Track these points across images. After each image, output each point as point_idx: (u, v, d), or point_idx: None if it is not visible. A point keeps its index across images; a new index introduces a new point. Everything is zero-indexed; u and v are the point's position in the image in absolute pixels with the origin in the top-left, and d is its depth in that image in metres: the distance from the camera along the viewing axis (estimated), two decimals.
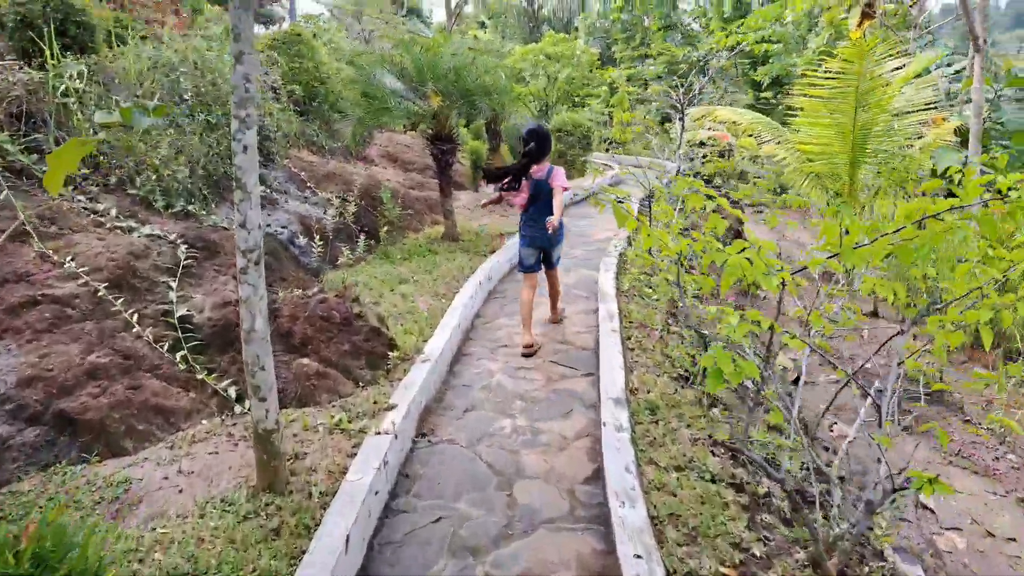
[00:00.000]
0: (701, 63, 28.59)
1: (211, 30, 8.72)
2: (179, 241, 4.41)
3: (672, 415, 3.88)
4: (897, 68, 9.38)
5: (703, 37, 28.32)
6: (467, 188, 11.80)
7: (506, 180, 5.09)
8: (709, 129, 13.84)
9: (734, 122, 11.34)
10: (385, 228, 7.17)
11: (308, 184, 7.55)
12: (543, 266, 5.32)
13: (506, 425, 3.89)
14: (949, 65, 13.51)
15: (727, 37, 20.53)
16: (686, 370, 4.68)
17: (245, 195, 2.55)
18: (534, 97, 23.26)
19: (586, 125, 11.15)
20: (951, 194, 2.64)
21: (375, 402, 3.81)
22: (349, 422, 3.57)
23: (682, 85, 9.59)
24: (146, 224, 4.43)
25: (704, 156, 10.18)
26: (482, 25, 38.82)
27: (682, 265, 3.42)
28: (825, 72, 10.05)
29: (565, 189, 4.91)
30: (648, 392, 4.14)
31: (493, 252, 7.28)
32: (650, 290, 6.54)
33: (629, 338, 5.12)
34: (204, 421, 3.57)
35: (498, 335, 5.40)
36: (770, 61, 19.97)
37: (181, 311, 3.93)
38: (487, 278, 6.47)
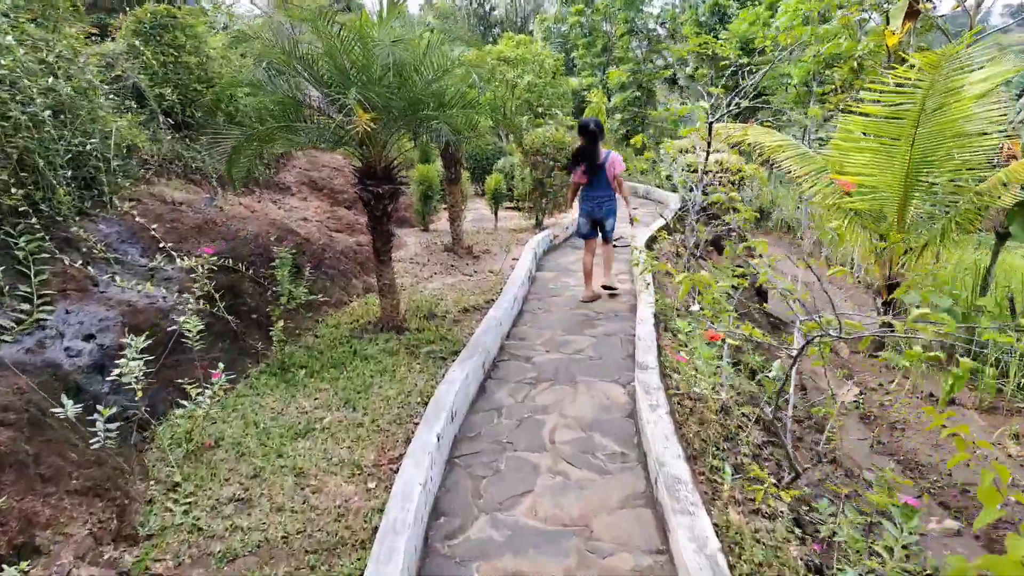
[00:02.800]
0: (672, 72, 26.71)
1: None
2: None
3: None
4: (981, 81, 7.18)
5: (671, 44, 26.40)
6: (415, 226, 9.09)
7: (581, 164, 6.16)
8: (714, 151, 11.56)
9: (749, 145, 9.08)
10: (280, 323, 4.40)
11: (163, 242, 4.72)
12: (600, 236, 6.48)
13: None
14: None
15: (707, 45, 18.52)
16: None
17: None
18: (491, 107, 20.70)
19: (570, 146, 8.63)
20: None
21: None
22: None
23: (709, 95, 7.18)
24: None
25: (709, 185, 7.87)
26: (431, 31, 36.11)
27: None
28: (876, 86, 7.81)
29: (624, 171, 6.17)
30: None
31: (456, 354, 4.62)
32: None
33: None
34: None
35: None
36: (754, 70, 18.03)
37: None
38: (451, 417, 3.80)
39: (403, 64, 4.42)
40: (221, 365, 3.51)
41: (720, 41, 18.57)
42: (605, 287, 6.57)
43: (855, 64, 12.89)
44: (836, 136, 9.24)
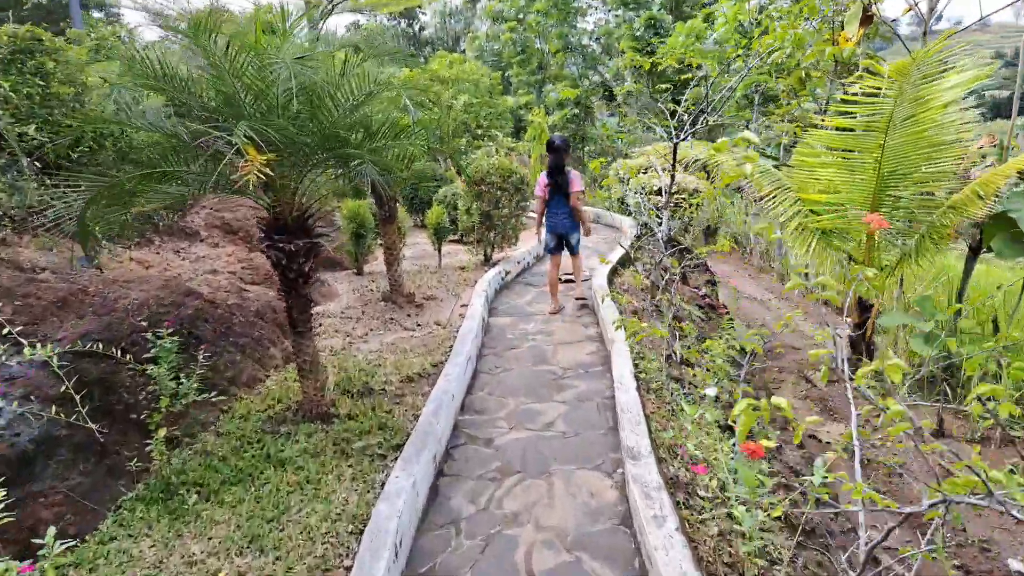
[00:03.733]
0: (606, 89, 26.47)
1: None
2: None
3: None
4: (952, 88, 6.75)
5: (606, 61, 26.22)
6: (348, 268, 8.05)
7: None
8: (668, 171, 10.97)
9: (714, 165, 8.51)
10: (162, 431, 3.32)
11: (9, 326, 3.58)
12: (566, 251, 6.74)
13: None
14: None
15: (644, 58, 18.19)
16: None
17: None
18: (427, 130, 19.74)
19: (520, 173, 7.82)
20: None
21: None
22: None
23: (672, 114, 6.49)
24: None
25: (666, 205, 7.20)
26: (356, 50, 35.14)
27: None
28: (841, 97, 7.36)
29: (582, 191, 6.44)
30: None
31: (399, 448, 3.65)
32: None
33: None
34: None
35: None
36: (693, 85, 17.77)
37: None
38: (394, 553, 2.83)
39: (313, 88, 3.48)
40: (52, 530, 2.43)
41: (656, 56, 18.31)
42: (579, 299, 6.99)
43: (803, 74, 12.67)
44: (797, 152, 8.78)
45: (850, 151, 7.62)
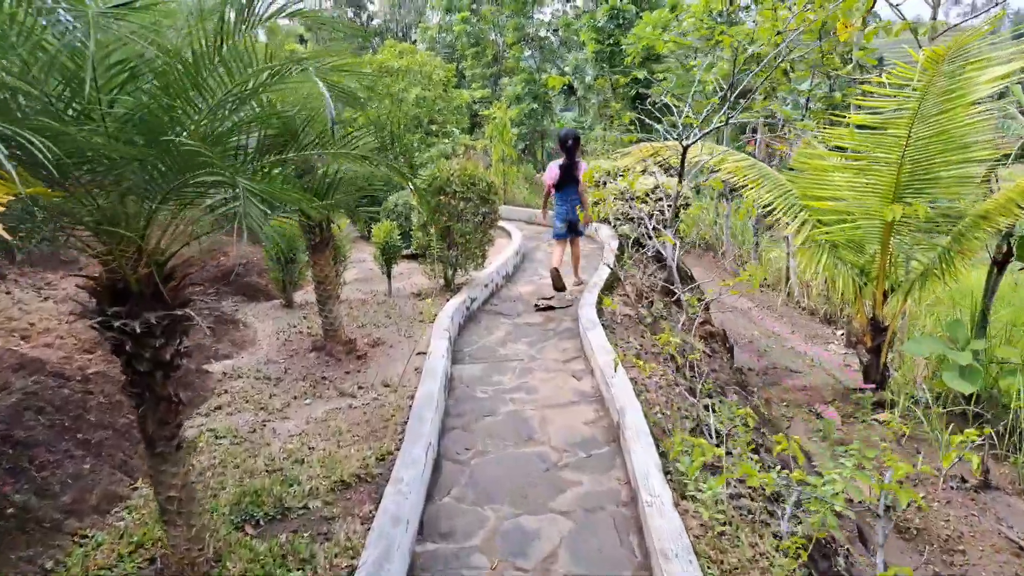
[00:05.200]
0: (564, 82, 25.21)
1: None
2: None
3: None
4: (994, 80, 5.69)
5: (565, 54, 24.99)
6: (274, 297, 6.53)
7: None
8: (643, 172, 9.74)
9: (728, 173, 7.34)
10: None
11: None
12: (571, 234, 7.02)
13: None
14: None
15: (604, 50, 17.04)
16: None
17: None
18: (374, 125, 18.09)
19: (486, 180, 6.44)
20: None
21: None
22: None
23: (676, 111, 5.22)
24: None
25: (673, 223, 5.98)
26: (301, 40, 33.14)
27: None
28: (863, 87, 6.27)
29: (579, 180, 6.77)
30: None
31: None
32: None
33: None
34: None
35: None
36: (661, 78, 16.71)
37: None
38: None
39: (156, 69, 2.05)
40: None
41: (624, 43, 17.12)
42: (577, 284, 7.21)
43: (787, 66, 11.64)
44: (799, 153, 7.66)
45: (857, 152, 6.55)
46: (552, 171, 6.86)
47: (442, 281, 6.76)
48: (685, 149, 4.89)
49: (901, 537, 5.28)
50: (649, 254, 6.84)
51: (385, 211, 8.18)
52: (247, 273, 6.52)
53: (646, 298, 6.65)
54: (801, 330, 12.01)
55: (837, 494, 2.57)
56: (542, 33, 24.99)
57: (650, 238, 5.98)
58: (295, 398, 4.28)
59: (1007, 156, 7.08)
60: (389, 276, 6.74)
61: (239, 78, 2.21)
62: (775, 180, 7.50)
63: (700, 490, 3.12)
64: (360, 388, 4.41)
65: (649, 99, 17.35)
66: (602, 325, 5.55)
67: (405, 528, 2.91)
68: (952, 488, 5.92)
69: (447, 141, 15.15)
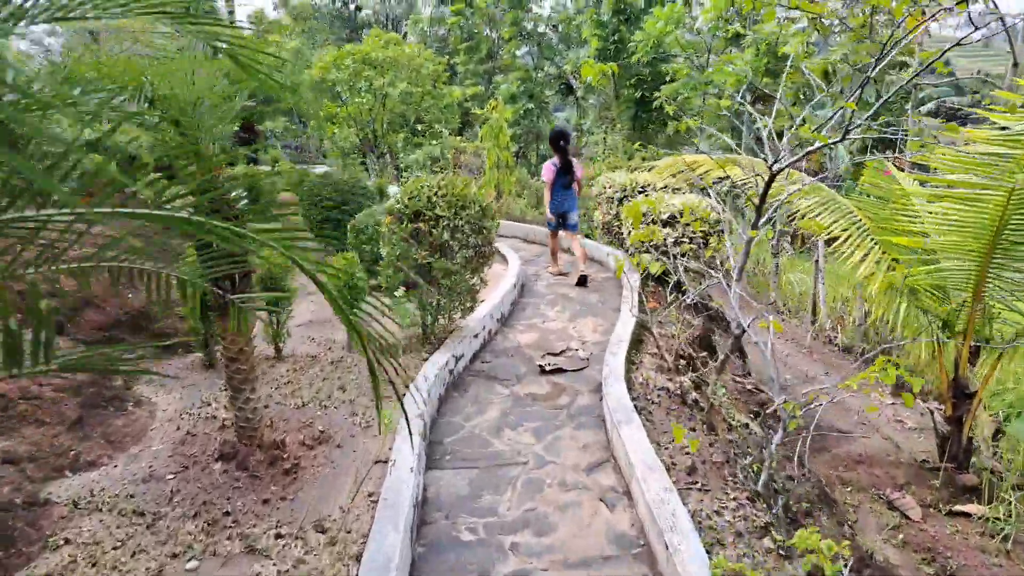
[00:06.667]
0: (562, 82, 23.69)
1: None
2: None
3: None
4: None
5: (564, 51, 23.45)
6: (194, 351, 4.90)
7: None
8: (664, 188, 8.19)
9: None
10: None
11: None
12: (564, 229, 7.68)
13: None
14: None
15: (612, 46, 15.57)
16: None
17: None
18: (355, 121, 16.49)
19: (479, 202, 4.85)
20: None
21: None
22: None
23: (749, 123, 3.68)
24: None
25: (740, 274, 4.45)
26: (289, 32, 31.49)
27: None
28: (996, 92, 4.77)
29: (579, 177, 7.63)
30: None
31: None
32: None
33: None
34: None
35: None
36: (668, 80, 15.23)
37: None
38: None
39: None
40: None
41: (635, 41, 15.60)
42: (582, 276, 7.38)
43: (828, 67, 10.15)
44: (868, 177, 6.17)
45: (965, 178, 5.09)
46: (549, 171, 7.45)
47: (420, 329, 5.18)
48: (773, 176, 3.34)
49: None
50: (688, 300, 5.31)
51: (353, 232, 6.57)
52: (161, 315, 4.92)
53: (686, 358, 5.13)
54: (836, 371, 10.47)
55: None
56: (540, 28, 23.45)
57: (676, 270, 4.45)
58: (174, 556, 2.70)
59: None
60: (350, 326, 5.15)
61: None
62: (842, 207, 6.02)
63: None
64: (280, 537, 2.83)
65: (655, 101, 15.92)
66: (636, 408, 4.01)
67: None
68: None
69: (435, 143, 13.56)
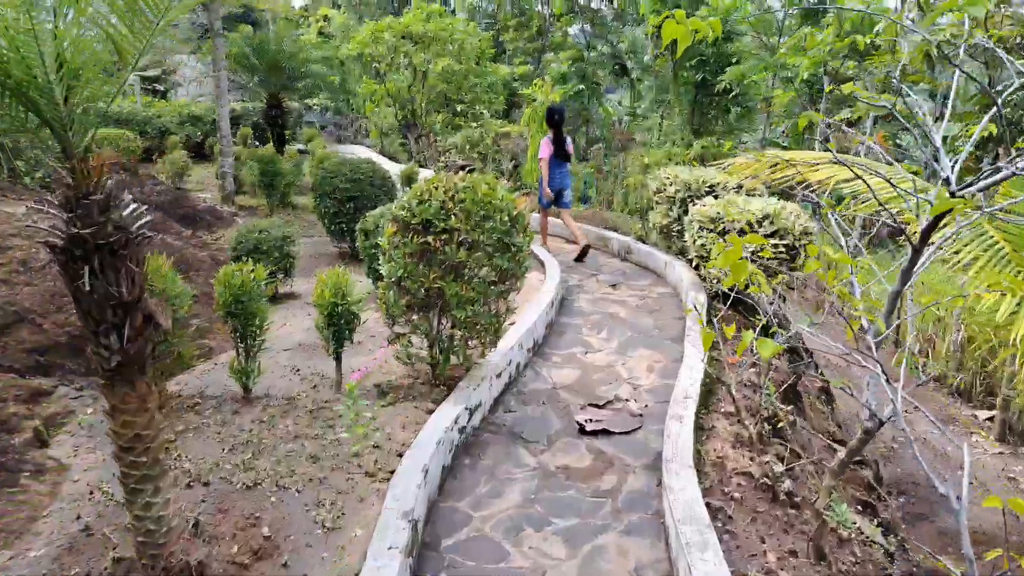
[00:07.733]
0: (616, 62, 22.12)
1: None
2: None
3: None
4: None
5: (620, 29, 21.85)
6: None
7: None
8: (736, 189, 6.85)
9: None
10: None
11: None
12: (557, 206, 8.06)
13: None
14: None
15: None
16: None
17: None
18: (393, 99, 15.44)
19: (509, 211, 3.69)
20: None
21: None
22: None
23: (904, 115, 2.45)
24: None
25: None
26: (336, 5, 30.69)
27: None
28: None
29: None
30: None
31: None
32: None
33: None
34: None
35: None
36: (734, 61, 13.69)
37: None
38: None
39: None
40: None
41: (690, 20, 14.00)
42: (584, 249, 7.71)
43: (931, 49, 8.56)
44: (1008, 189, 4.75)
45: None
46: (546, 148, 7.80)
47: (427, 368, 4.08)
48: (952, 202, 2.05)
49: None
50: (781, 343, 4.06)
51: (361, 233, 5.50)
52: None
53: (769, 419, 3.89)
54: (925, 404, 8.93)
55: None
56: (594, 4, 21.89)
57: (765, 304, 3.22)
58: None
59: None
60: (339, 362, 4.07)
61: None
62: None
63: None
64: None
65: (719, 84, 14.33)
66: (710, 511, 2.83)
67: None
68: None
69: (474, 125, 12.41)
